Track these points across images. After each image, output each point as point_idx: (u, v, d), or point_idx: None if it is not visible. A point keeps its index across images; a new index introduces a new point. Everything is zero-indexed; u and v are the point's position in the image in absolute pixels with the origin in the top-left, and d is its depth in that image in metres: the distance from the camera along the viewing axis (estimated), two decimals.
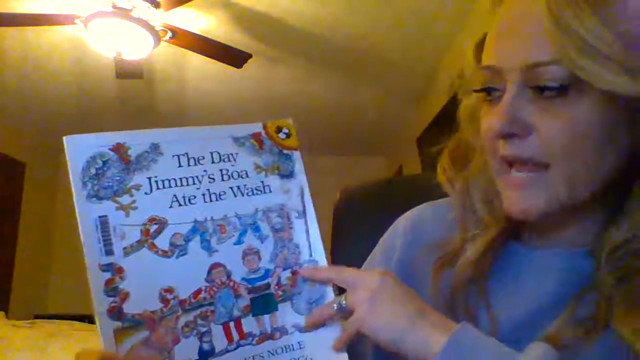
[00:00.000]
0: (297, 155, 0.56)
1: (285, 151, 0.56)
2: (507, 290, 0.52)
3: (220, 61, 2.72)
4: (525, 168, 0.45)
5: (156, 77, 3.42)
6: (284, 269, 0.52)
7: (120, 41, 2.42)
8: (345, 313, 0.50)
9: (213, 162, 0.51)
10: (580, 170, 0.44)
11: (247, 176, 0.53)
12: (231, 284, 0.50)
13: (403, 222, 0.64)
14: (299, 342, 0.51)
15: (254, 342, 0.50)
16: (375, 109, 4.01)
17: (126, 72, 2.79)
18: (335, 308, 0.50)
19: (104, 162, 0.47)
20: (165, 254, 0.47)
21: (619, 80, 0.40)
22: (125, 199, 0.47)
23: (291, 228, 0.53)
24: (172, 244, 0.48)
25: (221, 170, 0.52)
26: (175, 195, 0.49)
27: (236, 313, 0.49)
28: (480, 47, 0.50)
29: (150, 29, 2.39)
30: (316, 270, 0.53)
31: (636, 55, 0.40)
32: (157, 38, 2.46)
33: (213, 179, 0.51)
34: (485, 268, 0.52)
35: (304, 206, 0.55)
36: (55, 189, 4.85)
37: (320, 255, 0.54)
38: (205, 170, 0.51)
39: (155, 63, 3.19)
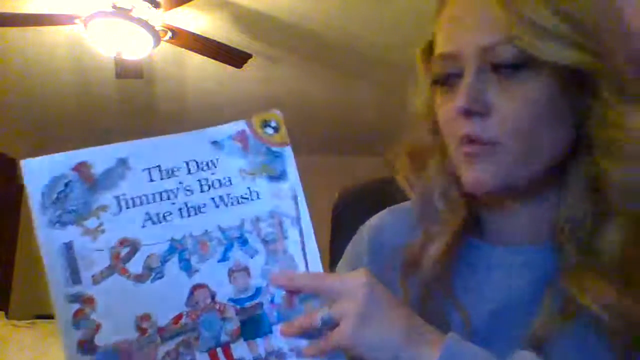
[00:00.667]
0: (288, 152, 0.50)
1: (274, 148, 0.49)
2: (474, 287, 0.53)
3: (220, 61, 2.72)
4: (478, 145, 0.47)
5: (156, 77, 3.42)
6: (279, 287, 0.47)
7: (120, 41, 2.42)
8: (330, 326, 0.44)
9: (190, 172, 0.46)
10: (533, 146, 0.46)
11: (230, 184, 0.47)
12: (217, 306, 0.45)
13: (364, 231, 0.64)
14: None
15: None
16: (375, 109, 4.01)
17: (126, 72, 2.79)
18: (320, 321, 0.44)
19: (66, 185, 0.43)
20: (139, 279, 0.43)
21: (567, 53, 0.43)
22: (91, 222, 0.43)
23: (285, 238, 0.47)
24: (147, 267, 0.43)
25: (199, 180, 0.46)
26: (147, 213, 0.44)
27: (224, 338, 0.44)
28: (426, 53, 0.53)
29: (150, 29, 2.39)
30: (291, 278, 0.46)
31: (580, 32, 0.43)
32: (157, 38, 2.46)
33: (190, 191, 0.46)
34: (449, 265, 0.53)
35: (298, 211, 0.48)
36: None
37: (318, 268, 0.48)
38: (180, 182, 0.46)
39: (155, 63, 3.18)
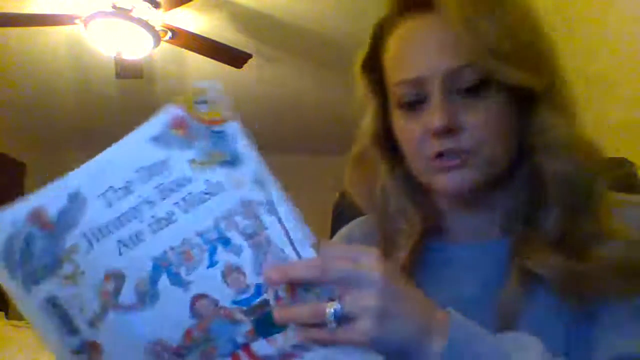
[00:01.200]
0: (230, 128, 0.43)
1: (214, 128, 0.43)
2: (441, 282, 0.57)
3: (220, 61, 2.72)
4: (452, 156, 0.53)
5: (156, 77, 3.42)
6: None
7: (120, 41, 2.43)
8: (341, 320, 0.40)
9: (143, 182, 0.41)
10: (498, 151, 0.53)
11: (188, 182, 0.42)
12: (221, 311, 0.41)
13: (342, 237, 0.68)
14: (325, 357, 0.42)
15: None
16: None
17: (126, 72, 2.79)
18: (330, 316, 0.40)
19: (26, 240, 0.40)
20: (136, 308, 0.40)
21: (522, 75, 0.50)
22: (66, 268, 0.40)
23: (265, 228, 0.42)
24: (139, 294, 0.40)
25: (157, 187, 0.41)
26: (119, 240, 0.41)
27: (241, 340, 0.41)
28: (367, 67, 0.58)
29: (150, 29, 2.39)
30: (284, 271, 0.41)
31: (534, 57, 0.51)
32: (157, 38, 2.46)
33: (152, 202, 0.41)
34: (410, 270, 0.57)
35: (268, 195, 0.43)
36: None
37: (309, 253, 0.42)
38: (139, 196, 0.41)
39: (155, 63, 3.18)
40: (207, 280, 0.42)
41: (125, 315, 0.40)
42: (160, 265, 0.41)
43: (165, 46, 2.61)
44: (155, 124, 0.43)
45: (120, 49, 2.49)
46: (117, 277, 0.40)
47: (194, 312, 0.41)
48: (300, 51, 3.10)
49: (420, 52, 0.53)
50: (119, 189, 0.42)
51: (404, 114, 0.55)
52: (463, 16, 0.49)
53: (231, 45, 2.63)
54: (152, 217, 0.41)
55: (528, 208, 0.55)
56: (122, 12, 2.34)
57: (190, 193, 0.42)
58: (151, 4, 2.37)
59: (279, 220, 0.43)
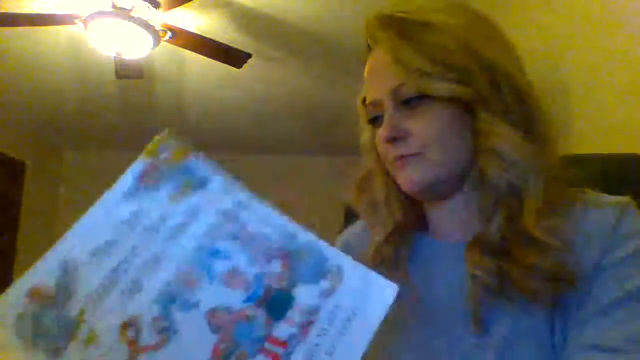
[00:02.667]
0: (194, 160, 0.48)
1: (180, 166, 0.47)
2: (426, 274, 0.64)
3: (220, 61, 2.72)
4: (410, 158, 0.61)
5: (156, 77, 3.43)
6: (269, 262, 0.45)
7: (120, 41, 2.43)
8: None
9: (125, 235, 0.44)
10: (446, 152, 0.60)
11: (167, 218, 0.45)
12: (237, 315, 0.43)
13: (337, 243, 0.76)
14: (336, 306, 0.44)
15: (300, 340, 0.43)
16: None
17: (126, 72, 2.79)
18: None
19: (33, 317, 0.41)
20: (161, 346, 0.42)
21: (445, 87, 0.58)
22: (83, 332, 0.41)
23: (245, 224, 0.46)
24: (159, 332, 0.42)
25: (139, 234, 0.44)
26: (122, 292, 0.42)
27: (263, 332, 0.43)
28: (364, 101, 0.68)
29: (150, 29, 2.39)
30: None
31: (453, 72, 0.58)
32: (157, 38, 2.46)
33: (137, 249, 0.44)
34: (389, 255, 0.65)
35: (238, 200, 0.46)
36: (56, 189, 4.85)
37: (296, 228, 0.46)
38: (125, 248, 0.44)
39: (155, 63, 3.19)
40: (213, 294, 0.44)
41: (155, 356, 0.41)
42: (166, 301, 0.43)
43: (165, 46, 2.61)
44: (127, 180, 0.46)
45: (120, 49, 2.50)
46: (133, 324, 0.42)
47: (213, 327, 0.43)
48: (300, 51, 3.10)
49: (374, 79, 0.65)
50: (105, 246, 0.44)
51: (374, 129, 0.67)
52: (391, 49, 0.61)
53: (231, 45, 2.64)
54: (142, 262, 0.44)
55: (481, 211, 0.61)
56: (122, 12, 2.34)
57: (171, 227, 0.45)
58: (151, 4, 2.37)
59: (255, 212, 0.46)
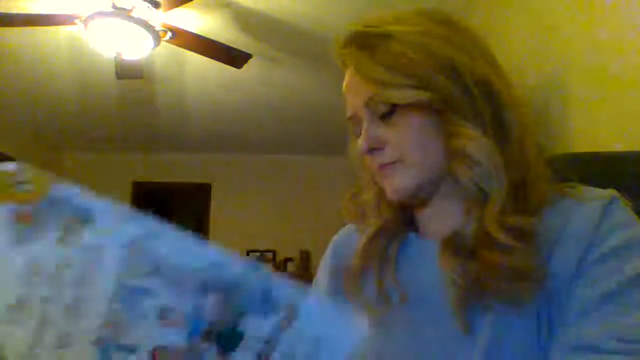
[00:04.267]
0: (59, 191, 0.40)
1: (47, 200, 0.40)
2: (411, 272, 0.65)
3: (220, 61, 2.72)
4: (390, 166, 0.64)
5: (156, 77, 3.42)
6: (203, 296, 0.41)
7: (120, 41, 2.43)
8: None
9: (31, 287, 0.40)
10: (423, 157, 0.62)
11: (67, 263, 0.40)
12: (186, 351, 0.40)
13: (330, 246, 0.77)
14: (296, 338, 0.41)
15: None
16: None
17: (126, 72, 2.79)
18: None
19: None
20: None
21: (409, 94, 0.60)
22: None
23: (160, 257, 0.41)
24: None
25: (46, 284, 0.40)
26: (51, 346, 0.39)
27: None
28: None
29: (150, 29, 2.39)
30: None
31: (414, 79, 0.60)
32: (157, 38, 2.46)
33: (49, 299, 0.40)
34: (376, 251, 0.67)
35: (140, 227, 0.41)
36: None
37: (224, 257, 0.41)
38: (38, 301, 0.39)
39: (155, 63, 3.19)
40: (150, 334, 0.40)
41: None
42: (101, 349, 0.39)
43: (165, 46, 2.61)
44: (2, 232, 0.40)
45: (120, 49, 2.49)
46: None
47: None
48: (300, 51, 3.10)
49: (348, 95, 0.67)
50: (17, 302, 0.40)
51: (357, 141, 0.68)
52: (355, 64, 0.64)
53: (231, 45, 2.64)
54: (63, 313, 0.39)
55: (455, 213, 0.63)
56: (122, 12, 2.34)
57: (76, 273, 0.40)
58: (151, 4, 2.37)
59: (168, 240, 0.41)
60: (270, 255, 4.99)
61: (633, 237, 0.54)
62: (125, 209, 0.41)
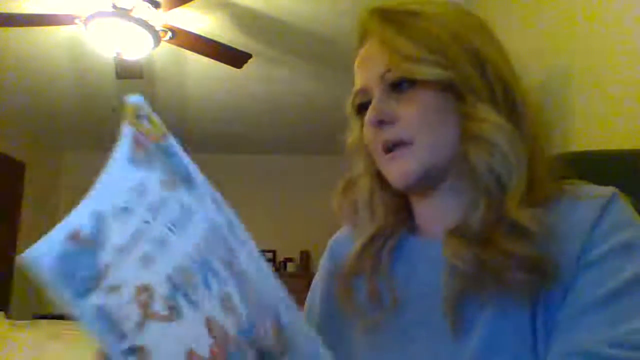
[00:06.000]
0: (172, 142, 0.44)
1: (161, 144, 0.44)
2: (407, 273, 0.63)
3: (220, 61, 2.72)
4: (398, 147, 0.60)
5: (156, 77, 3.42)
6: (261, 318, 0.44)
7: (120, 41, 2.43)
8: None
9: (136, 202, 0.43)
10: (435, 139, 0.60)
11: (165, 203, 0.44)
12: (231, 341, 0.43)
13: (327, 248, 0.75)
14: None
15: None
16: None
17: (126, 72, 2.79)
18: None
19: (73, 258, 0.41)
20: (168, 318, 0.42)
21: (430, 71, 0.58)
22: (108, 281, 0.42)
23: (236, 256, 0.44)
24: (169, 307, 0.42)
25: (146, 208, 0.43)
26: (139, 256, 0.42)
27: None
28: (354, 102, 0.67)
29: (150, 29, 2.39)
30: None
31: (437, 55, 0.58)
32: (157, 38, 2.46)
33: (148, 222, 0.43)
34: (366, 257, 0.64)
35: (226, 216, 0.45)
36: (56, 189, 4.85)
37: (286, 298, 0.44)
38: (138, 216, 0.43)
39: (155, 63, 3.19)
40: (210, 304, 0.43)
41: (162, 325, 0.42)
42: (173, 284, 0.43)
43: (165, 46, 2.61)
44: (124, 146, 0.43)
45: (120, 49, 2.49)
46: (146, 290, 0.42)
47: (210, 332, 0.43)
48: (300, 51, 3.10)
49: (362, 67, 0.65)
50: (122, 209, 0.43)
51: (361, 123, 0.65)
52: (380, 35, 0.62)
53: (231, 45, 2.64)
54: (153, 237, 0.43)
55: (466, 203, 0.59)
56: (122, 12, 2.34)
57: (170, 217, 0.43)
58: (151, 3, 2.37)
59: (243, 243, 0.45)
60: (270, 255, 4.99)
61: (632, 238, 0.52)
62: (216, 191, 0.46)
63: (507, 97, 0.59)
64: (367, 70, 0.64)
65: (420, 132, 0.59)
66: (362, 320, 0.62)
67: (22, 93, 3.74)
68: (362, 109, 0.64)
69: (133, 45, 2.46)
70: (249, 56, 2.69)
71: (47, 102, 3.89)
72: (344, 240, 0.72)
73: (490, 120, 0.57)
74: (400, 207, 0.67)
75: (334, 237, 0.76)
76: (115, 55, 2.57)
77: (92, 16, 2.30)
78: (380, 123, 0.60)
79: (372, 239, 0.65)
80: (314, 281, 0.74)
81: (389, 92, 0.61)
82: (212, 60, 2.73)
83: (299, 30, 2.85)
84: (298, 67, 3.32)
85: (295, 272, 4.68)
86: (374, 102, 0.61)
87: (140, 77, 2.87)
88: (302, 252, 4.79)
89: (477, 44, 0.60)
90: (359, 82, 0.65)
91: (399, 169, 0.60)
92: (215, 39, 2.61)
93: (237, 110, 4.02)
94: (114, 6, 2.34)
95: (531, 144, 0.58)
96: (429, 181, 0.61)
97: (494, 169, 0.56)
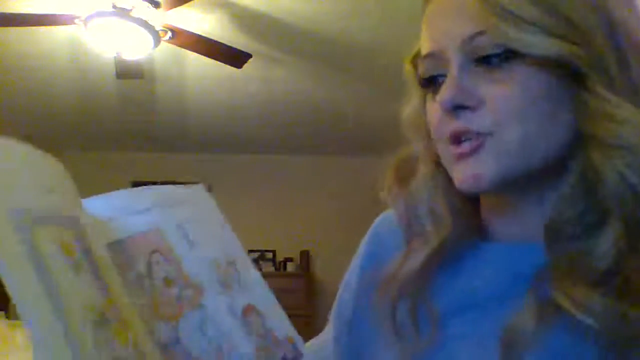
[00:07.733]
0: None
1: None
2: (456, 286, 0.49)
3: (220, 61, 2.72)
4: (471, 139, 0.44)
5: (156, 77, 3.42)
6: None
7: (120, 41, 2.43)
8: None
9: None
10: (530, 134, 0.43)
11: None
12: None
13: (370, 230, 0.61)
14: None
15: None
16: (377, 109, 4.01)
17: (126, 72, 2.79)
18: None
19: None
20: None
21: (546, 43, 0.41)
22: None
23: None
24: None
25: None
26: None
27: None
28: (415, 60, 0.51)
29: (150, 29, 2.39)
30: None
31: (561, 22, 0.41)
32: (157, 38, 2.46)
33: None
34: (425, 279, 0.49)
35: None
36: None
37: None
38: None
39: (155, 63, 3.18)
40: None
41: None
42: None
43: (165, 46, 2.61)
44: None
45: (120, 49, 2.49)
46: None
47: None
48: (300, 51, 3.10)
49: (437, 22, 0.46)
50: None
51: (429, 95, 0.48)
52: None
53: (231, 45, 2.64)
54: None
55: (574, 219, 0.44)
56: (122, 12, 2.34)
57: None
58: (151, 3, 2.37)
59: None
60: (270, 255, 4.98)
61: None
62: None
63: None
64: (443, 28, 0.45)
65: (509, 121, 0.43)
66: (401, 350, 0.49)
67: (22, 93, 3.74)
68: (430, 80, 0.48)
69: (133, 45, 2.46)
70: (249, 56, 2.69)
71: (47, 101, 3.89)
72: (390, 226, 0.56)
73: (630, 119, 0.41)
74: (470, 210, 0.52)
75: (379, 221, 0.60)
76: (115, 55, 2.57)
77: (92, 16, 2.30)
78: (456, 108, 0.44)
79: (433, 254, 0.49)
80: (348, 271, 0.61)
81: (473, 64, 0.44)
82: (212, 60, 2.73)
83: (299, 30, 2.85)
84: (298, 67, 3.32)
85: (295, 272, 4.67)
86: (449, 77, 0.44)
87: (140, 77, 2.88)
88: (302, 252, 4.79)
89: (612, 7, 0.43)
90: (427, 43, 0.47)
91: (468, 173, 0.44)
92: (215, 39, 2.61)
93: (237, 110, 4.01)
94: (114, 6, 2.34)
95: None
96: (507, 189, 0.46)
97: (633, 185, 0.41)
